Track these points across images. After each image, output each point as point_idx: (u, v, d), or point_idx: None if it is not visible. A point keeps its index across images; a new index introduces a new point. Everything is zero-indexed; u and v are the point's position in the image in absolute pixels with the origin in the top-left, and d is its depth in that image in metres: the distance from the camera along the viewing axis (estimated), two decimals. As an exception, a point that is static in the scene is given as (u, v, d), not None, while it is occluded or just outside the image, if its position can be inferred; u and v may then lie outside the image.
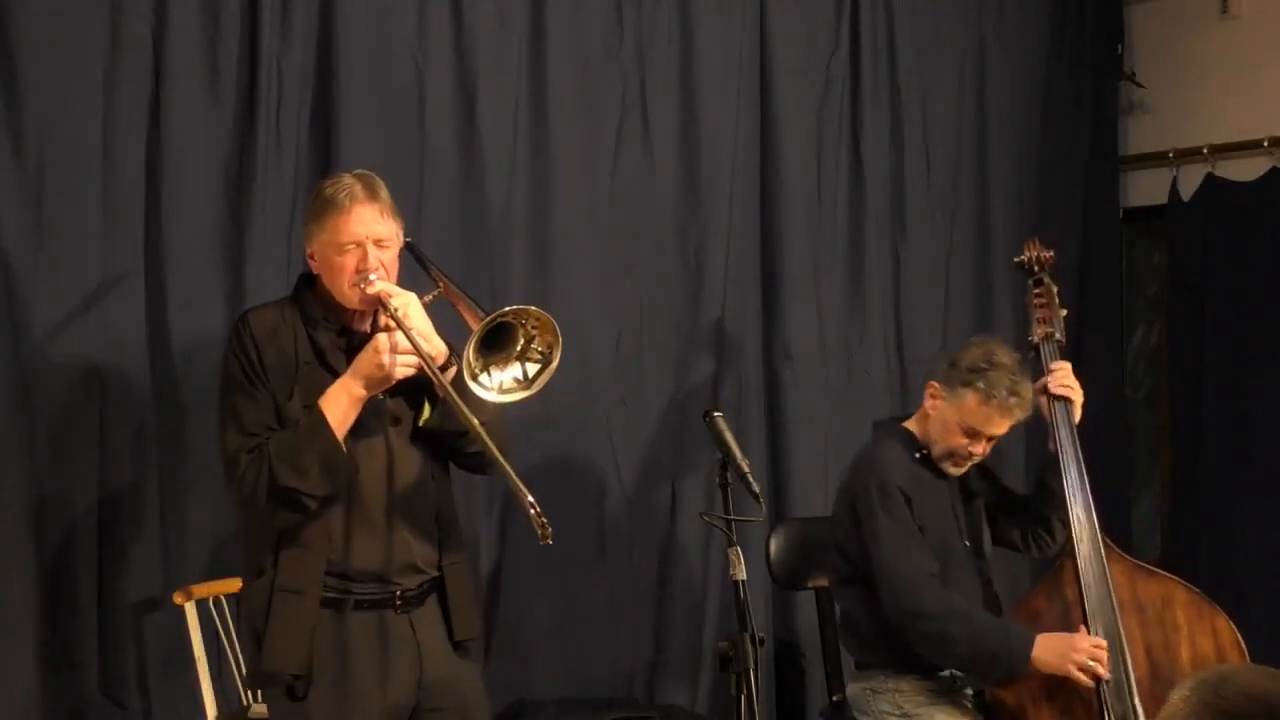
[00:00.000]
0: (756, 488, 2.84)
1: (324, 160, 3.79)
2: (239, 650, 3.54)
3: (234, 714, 3.52)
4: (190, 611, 3.46)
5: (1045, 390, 3.52)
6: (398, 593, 2.87)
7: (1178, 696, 1.62)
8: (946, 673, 3.44)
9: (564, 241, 4.17)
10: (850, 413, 4.60)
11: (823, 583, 3.86)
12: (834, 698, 3.76)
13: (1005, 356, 3.38)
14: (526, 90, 4.11)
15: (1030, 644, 3.25)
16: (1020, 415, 3.39)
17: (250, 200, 3.69)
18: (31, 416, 3.44)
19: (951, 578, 3.40)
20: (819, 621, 3.87)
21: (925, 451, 3.48)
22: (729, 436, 2.89)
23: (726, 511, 2.85)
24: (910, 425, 3.54)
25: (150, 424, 3.59)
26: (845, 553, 3.49)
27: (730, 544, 2.79)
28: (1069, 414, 3.52)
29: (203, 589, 3.52)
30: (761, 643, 2.77)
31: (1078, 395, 3.54)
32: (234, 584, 3.55)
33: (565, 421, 4.08)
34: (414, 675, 2.89)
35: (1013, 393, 3.33)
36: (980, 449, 3.42)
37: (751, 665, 2.73)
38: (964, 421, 3.37)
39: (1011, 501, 3.68)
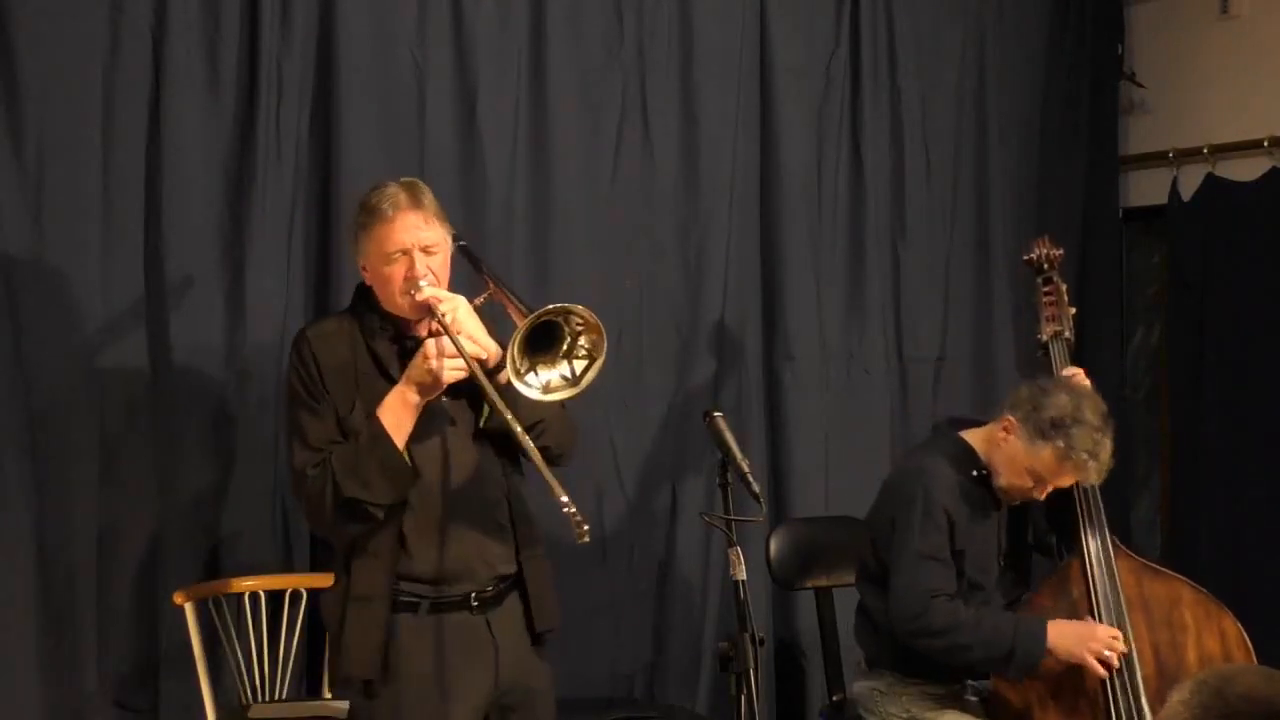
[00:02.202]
0: (756, 488, 2.83)
1: (324, 160, 3.79)
2: (239, 650, 3.54)
3: (234, 714, 3.52)
4: (190, 611, 3.45)
5: None
6: (472, 594, 2.88)
7: (1178, 699, 1.62)
8: (963, 682, 3.45)
9: (564, 241, 4.17)
10: (850, 413, 4.60)
11: (823, 583, 3.87)
12: (834, 698, 3.77)
13: (1093, 413, 3.26)
14: (526, 90, 4.11)
15: (1044, 632, 3.25)
16: (1094, 478, 3.30)
17: (250, 200, 3.69)
18: (31, 416, 3.44)
19: (986, 596, 3.39)
20: (819, 621, 3.88)
21: (984, 471, 3.40)
22: (729, 437, 2.88)
23: (726, 511, 2.84)
24: (972, 438, 3.46)
25: (150, 424, 3.59)
26: (878, 549, 3.45)
27: (730, 544, 2.79)
28: None
29: (203, 589, 3.52)
30: (761, 643, 2.76)
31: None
32: (234, 584, 3.56)
33: (565, 421, 4.07)
34: (490, 676, 2.89)
35: (1093, 455, 3.24)
36: (1042, 494, 3.35)
37: (751, 665, 2.72)
38: (1034, 469, 3.30)
39: (1048, 508, 3.65)
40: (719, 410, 2.98)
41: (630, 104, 4.29)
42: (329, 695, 3.49)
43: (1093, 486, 3.43)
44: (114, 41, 3.54)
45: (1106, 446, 3.27)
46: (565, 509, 2.58)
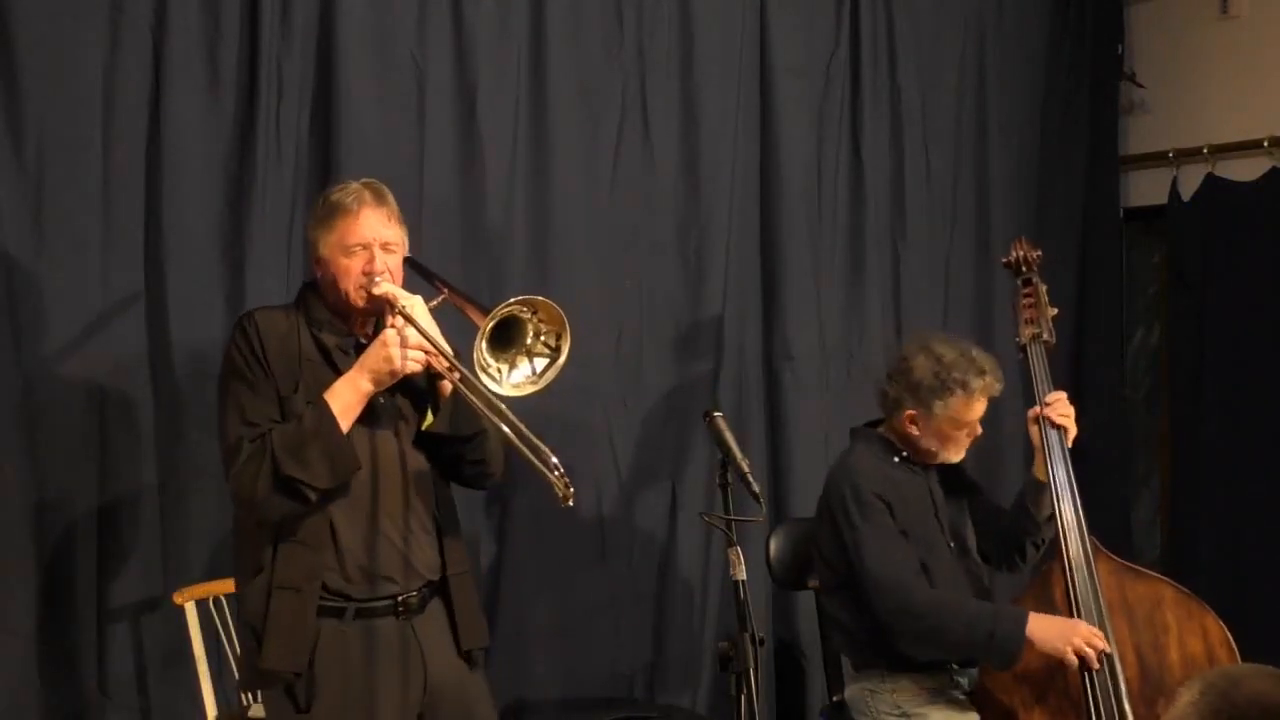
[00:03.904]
0: (756, 488, 2.84)
1: (324, 160, 3.79)
2: (238, 650, 3.54)
3: (234, 714, 3.52)
4: (190, 611, 3.46)
5: (1039, 419, 3.50)
6: (399, 598, 2.88)
7: (1185, 700, 1.62)
8: (950, 673, 3.44)
9: (564, 241, 4.17)
10: (850, 413, 4.57)
11: (824, 583, 3.87)
12: (834, 698, 3.76)
13: (947, 349, 3.40)
14: (526, 90, 4.11)
15: (1024, 622, 3.25)
16: (998, 386, 3.42)
17: (250, 200, 3.69)
18: (32, 416, 3.44)
19: (938, 578, 3.39)
20: (819, 621, 3.87)
21: (903, 455, 3.49)
22: (729, 437, 2.88)
23: (726, 511, 2.84)
24: (885, 431, 3.54)
25: (150, 424, 3.59)
26: (828, 560, 3.50)
27: (730, 544, 2.79)
28: (1063, 441, 3.49)
29: (203, 589, 3.52)
30: (761, 643, 2.76)
31: (1072, 427, 3.51)
32: (234, 584, 3.55)
33: (565, 421, 4.07)
34: (419, 682, 2.89)
35: (982, 373, 3.38)
36: (979, 429, 3.47)
37: (751, 665, 2.73)
38: (957, 423, 3.41)
39: (991, 516, 3.66)
40: (719, 410, 2.98)
41: (630, 104, 4.29)
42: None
43: (1073, 484, 3.44)
44: (114, 41, 3.54)
45: (978, 355, 3.40)
46: (555, 472, 2.63)
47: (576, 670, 4.18)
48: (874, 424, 3.61)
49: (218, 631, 3.51)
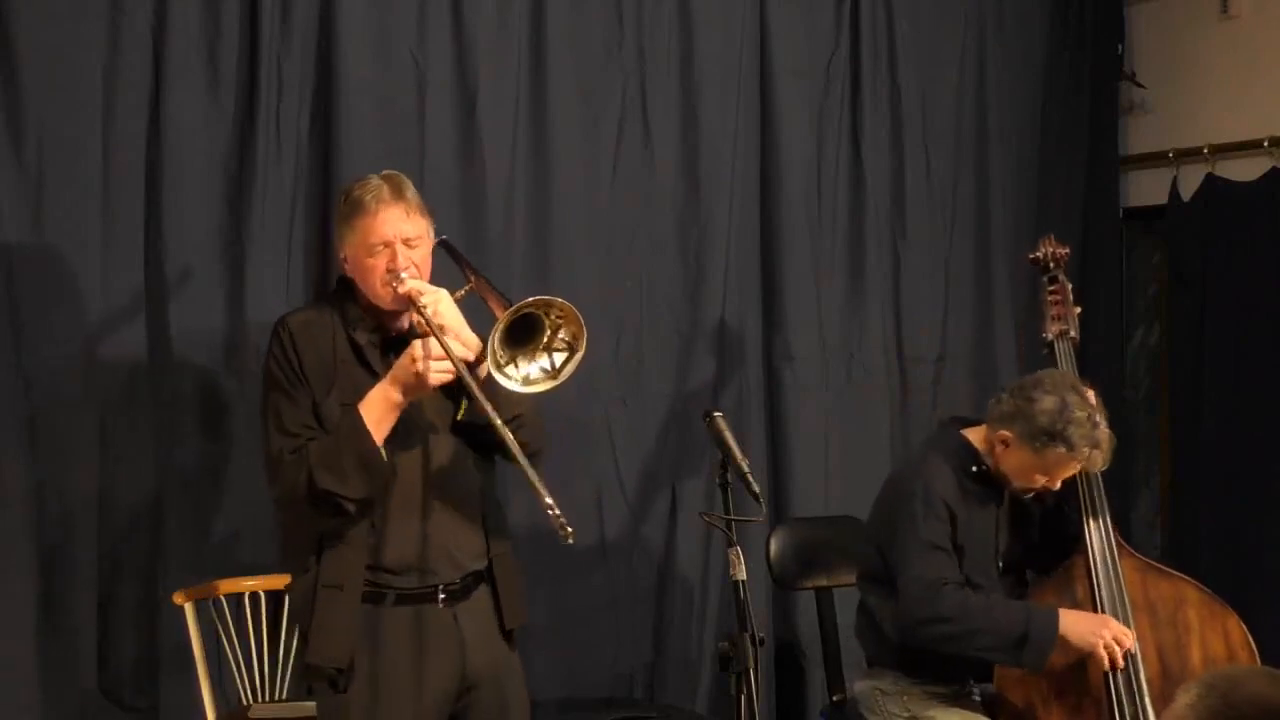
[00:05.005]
0: (756, 488, 2.84)
1: (324, 160, 3.79)
2: (238, 650, 3.54)
3: (234, 714, 3.53)
4: (190, 611, 3.46)
5: None
6: (439, 586, 2.88)
7: (1184, 701, 1.62)
8: (964, 683, 3.43)
9: (564, 241, 4.17)
10: (850, 413, 4.60)
11: (823, 583, 3.87)
12: (834, 698, 3.76)
13: (1080, 406, 3.26)
14: (526, 90, 4.11)
15: (1055, 619, 3.23)
16: (1101, 465, 3.34)
17: (250, 200, 3.69)
18: (32, 415, 3.45)
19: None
20: (819, 621, 3.88)
21: (984, 467, 3.40)
22: (729, 436, 2.88)
23: (726, 511, 2.84)
24: (973, 435, 3.46)
25: (150, 423, 3.59)
26: (880, 549, 3.44)
27: (730, 544, 2.79)
28: None
29: (203, 589, 3.52)
30: (761, 643, 2.76)
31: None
32: (234, 584, 3.56)
33: (565, 422, 4.08)
34: (456, 665, 2.90)
35: (1094, 445, 3.25)
36: (1055, 485, 3.37)
37: (751, 665, 2.73)
38: (1046, 470, 3.32)
39: (1050, 525, 3.61)
40: (719, 410, 2.98)
41: (630, 104, 4.29)
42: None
43: (1099, 483, 3.43)
44: (114, 41, 3.55)
45: (1104, 432, 3.29)
46: (549, 510, 2.58)
47: (576, 670, 4.18)
48: (961, 423, 3.54)
49: (218, 631, 3.51)
